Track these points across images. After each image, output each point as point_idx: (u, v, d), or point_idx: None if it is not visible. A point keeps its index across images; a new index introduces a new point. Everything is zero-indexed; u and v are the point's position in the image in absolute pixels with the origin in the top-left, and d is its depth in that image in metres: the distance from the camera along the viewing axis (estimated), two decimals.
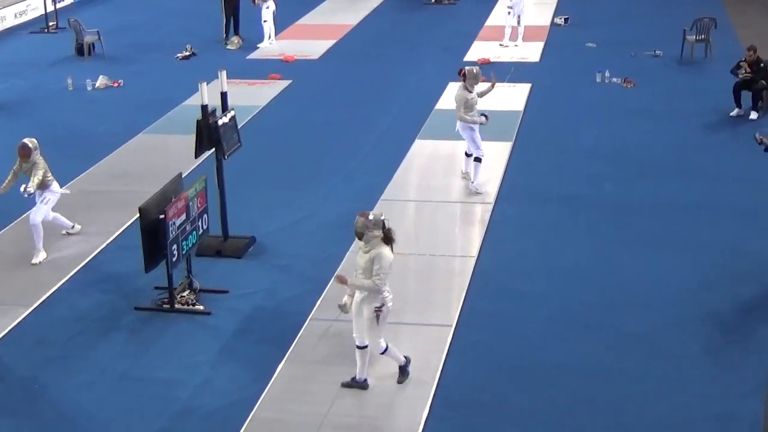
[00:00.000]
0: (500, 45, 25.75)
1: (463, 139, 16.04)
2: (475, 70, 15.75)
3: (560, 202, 15.55)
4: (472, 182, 15.98)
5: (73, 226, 14.72)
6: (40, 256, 13.96)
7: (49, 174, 14.07)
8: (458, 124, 15.81)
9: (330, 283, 13.03)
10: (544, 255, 13.83)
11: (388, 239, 10.36)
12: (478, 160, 15.82)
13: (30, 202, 14.08)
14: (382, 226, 10.32)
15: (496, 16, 29.26)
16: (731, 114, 19.50)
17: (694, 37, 24.07)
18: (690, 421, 10.15)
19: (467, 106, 15.59)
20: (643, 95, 21.30)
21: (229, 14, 26.99)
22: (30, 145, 13.91)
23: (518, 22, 25.74)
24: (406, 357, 10.86)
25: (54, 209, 14.29)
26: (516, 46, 25.70)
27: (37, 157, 13.92)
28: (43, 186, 13.94)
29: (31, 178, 13.74)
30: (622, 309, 12.36)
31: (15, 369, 11.40)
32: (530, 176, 16.71)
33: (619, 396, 10.55)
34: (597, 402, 10.46)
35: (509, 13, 25.72)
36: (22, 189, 13.72)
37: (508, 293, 12.83)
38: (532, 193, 16.01)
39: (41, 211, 14.01)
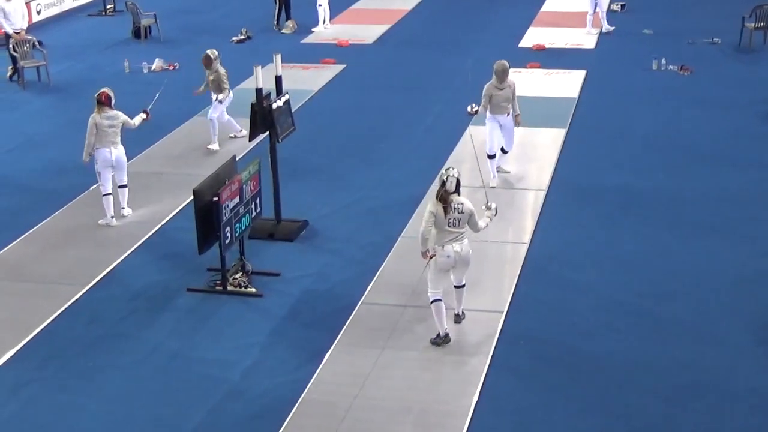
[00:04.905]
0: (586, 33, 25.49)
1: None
2: (499, 66, 15.21)
3: (613, 191, 15.45)
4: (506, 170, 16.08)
5: (241, 130, 17.25)
6: (215, 146, 17.31)
7: (226, 83, 17.15)
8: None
9: (381, 267, 13.08)
10: (596, 243, 13.76)
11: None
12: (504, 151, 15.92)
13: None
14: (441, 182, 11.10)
15: (552, 2, 29.09)
16: None
17: (754, 24, 23.72)
18: (740, 412, 10.07)
19: (491, 102, 15.24)
20: (699, 83, 21.07)
21: (281, 2, 27.03)
22: (211, 55, 17.15)
23: (594, 9, 25.43)
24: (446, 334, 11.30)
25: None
26: (597, 33, 25.37)
27: (219, 67, 17.11)
28: (220, 90, 17.12)
29: (222, 90, 17.07)
30: (673, 298, 12.27)
31: (70, 346, 11.56)
32: (583, 164, 16.61)
33: (669, 385, 10.48)
34: (647, 391, 10.40)
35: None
36: (214, 97, 17.15)
37: (559, 281, 12.79)
38: (585, 180, 15.92)
39: (218, 109, 17.23)
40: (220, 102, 17.19)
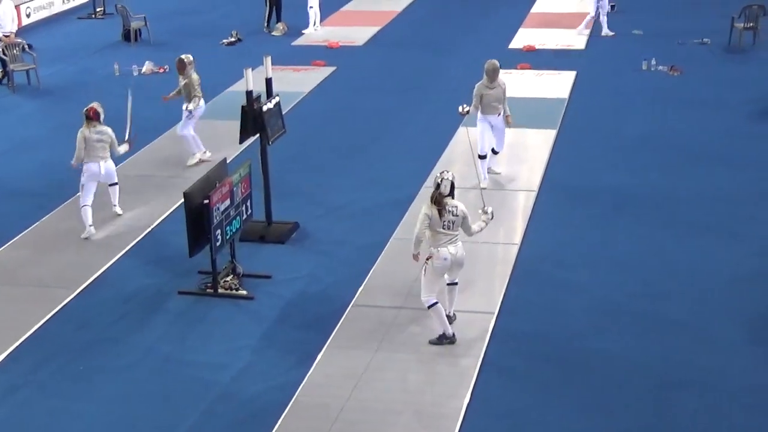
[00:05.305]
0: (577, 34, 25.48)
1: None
2: (490, 66, 15.25)
3: (605, 191, 15.45)
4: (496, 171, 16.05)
5: (205, 152, 16.83)
6: (196, 158, 16.77)
7: (199, 91, 16.43)
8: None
9: (373, 268, 13.05)
10: (589, 244, 13.75)
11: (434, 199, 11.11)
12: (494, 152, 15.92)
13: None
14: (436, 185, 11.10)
15: (542, 3, 29.12)
16: None
17: (743, 24, 23.78)
18: (736, 411, 10.06)
19: (482, 102, 15.27)
20: (689, 83, 21.10)
21: (271, 4, 27.01)
22: (185, 60, 16.44)
23: (596, 11, 25.34)
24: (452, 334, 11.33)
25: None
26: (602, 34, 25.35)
27: (191, 72, 16.39)
28: (190, 98, 16.36)
29: (191, 98, 16.30)
30: (667, 298, 12.27)
31: (61, 350, 11.51)
32: (574, 164, 16.61)
33: (663, 385, 10.48)
34: (641, 390, 10.39)
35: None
36: (184, 107, 16.39)
37: (550, 282, 12.77)
38: (577, 181, 15.92)
39: (188, 125, 16.61)
40: (190, 113, 16.46)
